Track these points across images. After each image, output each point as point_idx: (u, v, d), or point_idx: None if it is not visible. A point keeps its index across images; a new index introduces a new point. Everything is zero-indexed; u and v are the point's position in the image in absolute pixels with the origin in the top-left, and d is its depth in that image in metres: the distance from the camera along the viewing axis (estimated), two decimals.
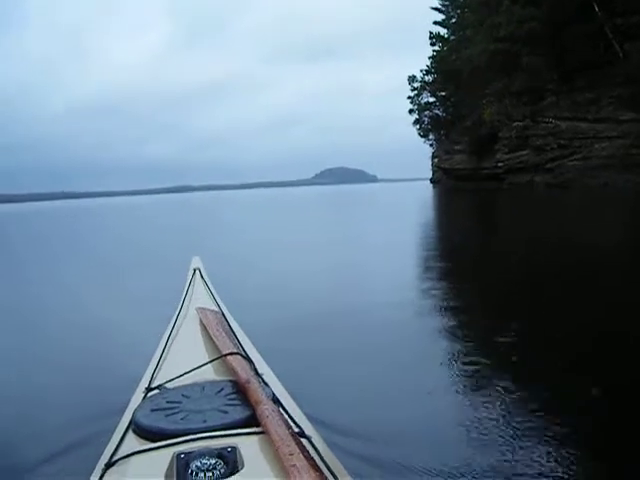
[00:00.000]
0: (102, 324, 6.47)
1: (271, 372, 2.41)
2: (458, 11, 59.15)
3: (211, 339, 2.59)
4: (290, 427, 1.67)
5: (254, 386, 1.91)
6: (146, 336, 3.64)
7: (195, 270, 3.80)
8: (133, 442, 1.81)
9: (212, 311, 3.09)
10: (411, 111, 67.37)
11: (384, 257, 10.83)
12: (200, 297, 3.42)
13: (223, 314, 3.13)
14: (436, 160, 65.92)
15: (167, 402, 1.98)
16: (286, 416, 1.82)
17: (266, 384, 2.10)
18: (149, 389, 2.21)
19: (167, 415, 1.87)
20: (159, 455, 1.65)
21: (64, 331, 6.31)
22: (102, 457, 1.81)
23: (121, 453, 1.74)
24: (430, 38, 61.23)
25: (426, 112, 66.60)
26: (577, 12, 34.62)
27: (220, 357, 2.27)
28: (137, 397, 2.21)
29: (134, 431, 1.87)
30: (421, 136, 68.83)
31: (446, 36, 60.86)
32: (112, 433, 1.98)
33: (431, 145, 69.93)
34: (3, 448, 3.26)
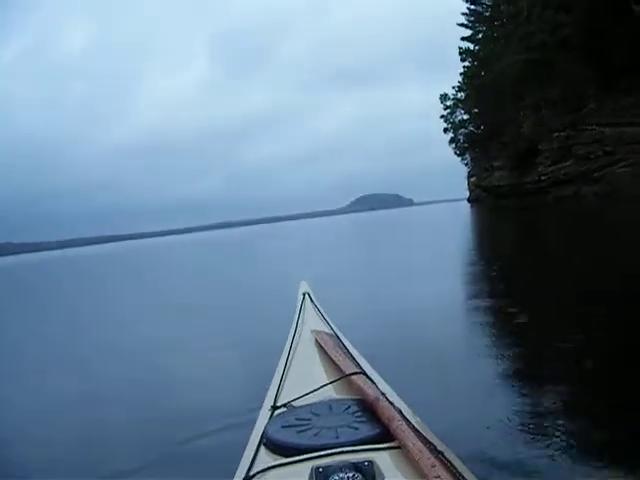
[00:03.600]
0: (219, 350, 7.30)
1: (392, 391, 2.37)
2: (484, 26, 58.34)
3: (330, 360, 2.67)
4: (425, 442, 1.70)
5: (384, 403, 1.95)
6: (263, 358, 4.02)
7: (304, 294, 3.95)
8: (267, 457, 1.88)
9: (326, 333, 3.17)
10: (446, 130, 66.45)
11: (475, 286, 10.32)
12: (312, 320, 3.54)
13: (337, 336, 3.18)
14: (473, 179, 64.82)
15: (297, 419, 2.03)
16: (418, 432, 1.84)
17: (390, 402, 2.05)
18: (275, 407, 2.29)
19: (299, 431, 1.93)
20: (297, 469, 1.72)
21: (186, 358, 7.23)
22: (237, 472, 1.88)
23: (257, 468, 1.81)
24: (460, 54, 60.50)
25: (461, 130, 65.47)
26: (612, 13, 33.40)
27: (344, 377, 2.33)
28: (264, 414, 2.29)
29: (267, 446, 1.93)
30: (457, 155, 67.82)
31: (475, 50, 59.93)
32: (244, 449, 2.03)
33: (466, 164, 68.92)
34: (147, 464, 3.92)
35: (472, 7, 60.62)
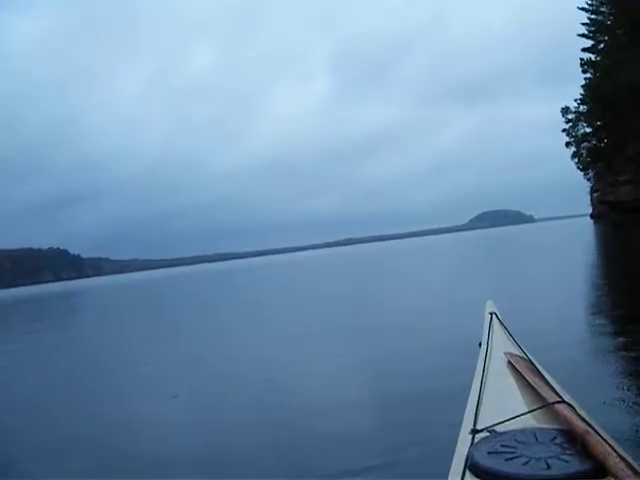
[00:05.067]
0: (411, 369, 7.38)
1: (597, 424, 2.24)
2: (606, 36, 56.10)
3: (526, 384, 2.63)
4: None
5: (595, 437, 1.89)
6: (453, 378, 4.23)
7: (491, 314, 3.90)
8: None
9: (519, 356, 3.12)
10: (568, 144, 64.06)
11: None
12: (502, 341, 3.48)
13: (529, 359, 3.10)
14: (597, 194, 62.30)
15: (502, 446, 2.01)
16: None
17: (601, 436, 1.99)
18: (475, 431, 2.25)
19: (507, 459, 1.90)
20: None
21: (375, 375, 7.51)
22: None
23: None
24: (581, 66, 58.34)
25: (583, 144, 62.94)
26: None
27: (547, 405, 2.28)
28: (464, 438, 2.25)
29: (473, 472, 1.91)
30: (580, 169, 65.25)
31: (597, 61, 57.68)
32: (448, 473, 2.01)
33: (589, 179, 66.32)
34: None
35: (593, 17, 58.50)
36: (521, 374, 2.78)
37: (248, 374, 8.63)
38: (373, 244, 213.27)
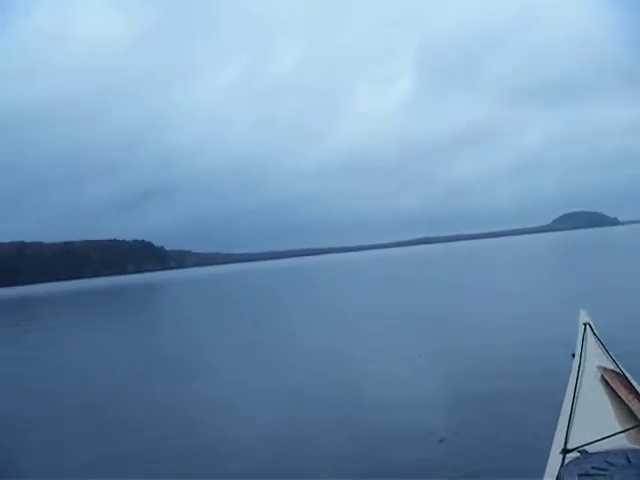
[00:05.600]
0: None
1: None
2: None
3: (620, 402, 2.56)
4: None
5: None
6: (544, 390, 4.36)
7: (585, 325, 3.80)
8: None
9: (613, 371, 3.04)
10: None
11: None
12: (595, 354, 3.40)
13: (624, 375, 3.01)
14: None
15: (592, 468, 1.94)
16: None
17: None
18: (566, 450, 2.22)
19: None
20: None
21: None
22: None
23: None
24: None
25: None
26: None
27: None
28: (555, 458, 2.24)
29: None
30: None
31: None
32: None
33: None
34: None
35: None
36: (614, 390, 2.72)
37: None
38: (450, 244, 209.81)
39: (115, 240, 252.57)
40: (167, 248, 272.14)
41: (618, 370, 3.11)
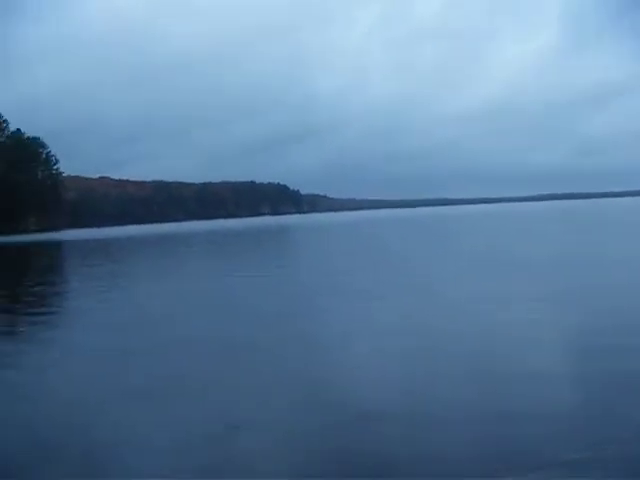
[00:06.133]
0: None
1: None
2: None
3: None
4: None
5: None
6: None
7: None
8: None
9: None
10: None
11: None
12: None
13: None
14: None
15: None
16: None
17: None
18: None
19: None
20: None
21: None
22: None
23: None
24: None
25: None
26: None
27: None
28: None
29: None
30: None
31: None
32: None
33: None
34: None
35: None
36: None
37: None
38: (595, 200, 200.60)
39: (252, 182, 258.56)
40: (302, 192, 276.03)
41: None
